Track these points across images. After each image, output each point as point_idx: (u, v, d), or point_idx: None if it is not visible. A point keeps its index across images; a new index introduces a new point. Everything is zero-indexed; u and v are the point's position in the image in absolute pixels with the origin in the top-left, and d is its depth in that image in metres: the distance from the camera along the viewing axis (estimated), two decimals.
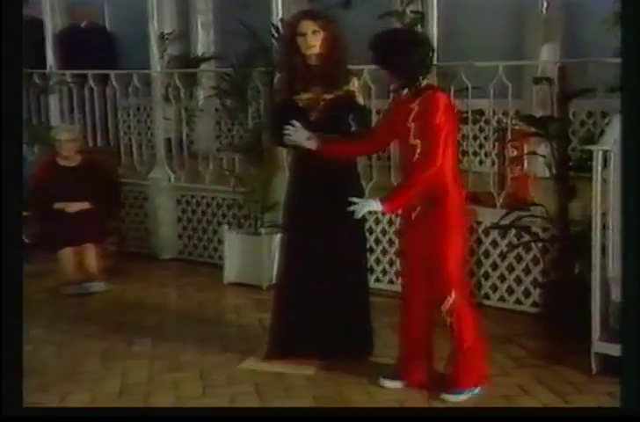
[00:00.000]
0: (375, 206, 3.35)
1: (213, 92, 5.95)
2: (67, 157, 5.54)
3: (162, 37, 6.71)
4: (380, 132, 3.66)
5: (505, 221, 4.52)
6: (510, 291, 4.74)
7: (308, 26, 3.72)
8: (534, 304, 4.62)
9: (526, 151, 4.78)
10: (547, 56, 5.87)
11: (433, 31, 4.87)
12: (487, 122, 5.44)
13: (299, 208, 3.88)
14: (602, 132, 3.93)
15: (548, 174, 4.54)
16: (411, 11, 5.26)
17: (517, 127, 4.82)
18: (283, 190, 4.12)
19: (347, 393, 3.56)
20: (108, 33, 7.95)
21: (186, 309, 4.92)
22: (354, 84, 3.84)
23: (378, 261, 5.19)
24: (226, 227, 5.58)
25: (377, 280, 5.14)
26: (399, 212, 3.67)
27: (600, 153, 3.59)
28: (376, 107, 5.03)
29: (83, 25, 7.53)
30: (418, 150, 3.32)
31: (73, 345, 4.30)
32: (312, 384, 3.67)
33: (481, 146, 6.31)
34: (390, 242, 5.13)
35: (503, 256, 4.73)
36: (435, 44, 4.36)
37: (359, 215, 3.37)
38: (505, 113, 5.02)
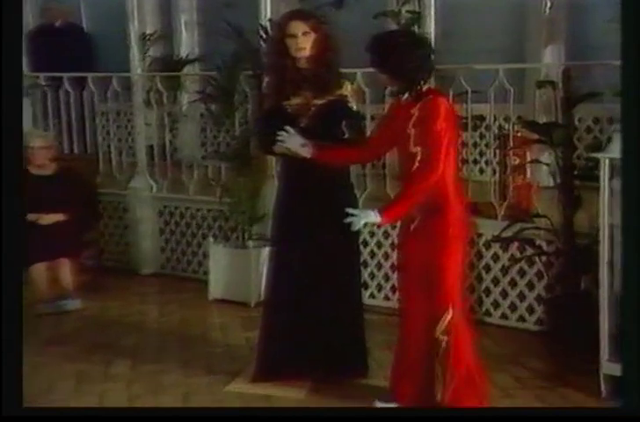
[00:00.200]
0: (373, 217, 3.30)
1: (197, 97, 5.96)
2: (40, 166, 5.52)
3: (143, 37, 6.68)
4: (378, 138, 3.64)
5: (507, 234, 4.53)
6: (512, 308, 4.74)
7: (298, 27, 3.72)
8: (539, 322, 4.62)
9: (529, 159, 4.80)
10: (550, 58, 5.89)
11: (431, 32, 4.90)
12: (488, 128, 5.45)
13: (289, 220, 3.88)
14: (609, 139, 3.93)
15: (552, 183, 4.54)
16: (407, 11, 5.27)
17: (519, 134, 4.83)
18: (272, 200, 4.11)
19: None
20: (85, 33, 7.91)
21: (169, 328, 4.90)
22: (347, 89, 3.84)
23: (373, 276, 5.18)
24: (211, 240, 5.57)
25: (372, 296, 5.14)
26: (397, 223, 3.66)
27: (608, 161, 3.59)
28: (371, 113, 5.05)
29: (57, 24, 7.52)
30: (418, 158, 3.30)
31: (46, 367, 4.26)
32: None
33: (481, 154, 6.31)
34: (386, 255, 5.12)
35: (505, 270, 4.74)
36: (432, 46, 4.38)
37: (356, 228, 3.33)
38: (507, 119, 5.03)
